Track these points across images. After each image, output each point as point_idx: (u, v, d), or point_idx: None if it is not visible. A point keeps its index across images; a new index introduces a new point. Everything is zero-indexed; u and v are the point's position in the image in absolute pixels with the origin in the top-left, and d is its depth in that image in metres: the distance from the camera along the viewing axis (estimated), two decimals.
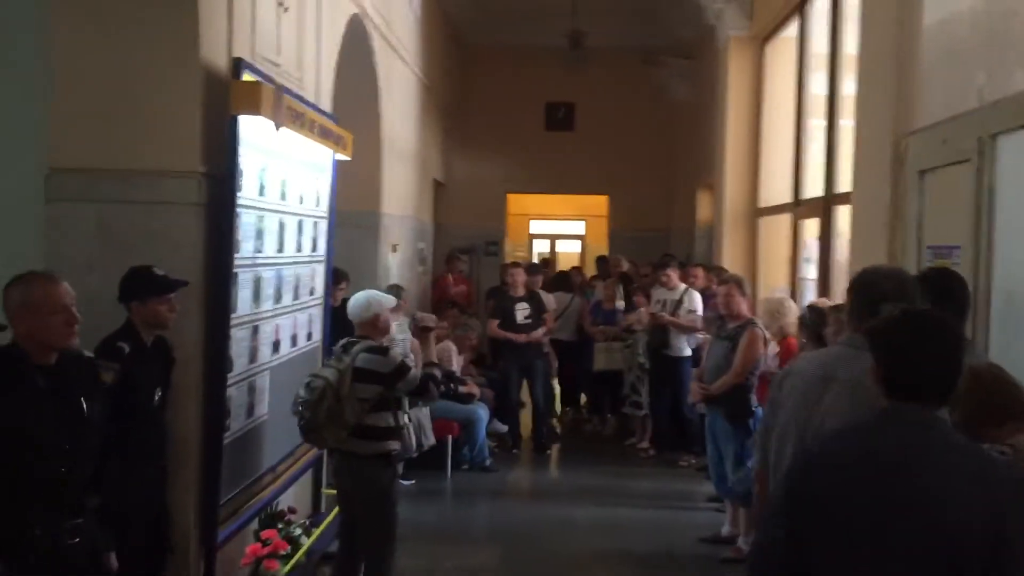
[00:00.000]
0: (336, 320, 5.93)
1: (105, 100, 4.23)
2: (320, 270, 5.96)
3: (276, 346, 5.15)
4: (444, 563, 6.26)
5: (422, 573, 5.95)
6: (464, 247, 13.26)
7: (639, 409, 9.21)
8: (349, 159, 6.19)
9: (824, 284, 7.21)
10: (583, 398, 11.06)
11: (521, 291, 9.28)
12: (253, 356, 4.78)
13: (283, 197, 5.07)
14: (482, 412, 8.54)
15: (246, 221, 4.48)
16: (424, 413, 7.61)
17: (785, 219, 8.83)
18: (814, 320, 5.41)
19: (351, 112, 7.37)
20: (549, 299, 9.71)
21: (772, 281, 9.38)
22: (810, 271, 8.00)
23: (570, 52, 11.76)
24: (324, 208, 5.94)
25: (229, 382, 4.42)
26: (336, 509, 5.18)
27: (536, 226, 18.66)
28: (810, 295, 7.71)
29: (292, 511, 5.37)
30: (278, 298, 5.11)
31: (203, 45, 4.24)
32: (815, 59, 8.19)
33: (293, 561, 4.93)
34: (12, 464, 2.87)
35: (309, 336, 5.81)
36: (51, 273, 3.10)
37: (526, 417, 9.82)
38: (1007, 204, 3.91)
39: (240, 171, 4.31)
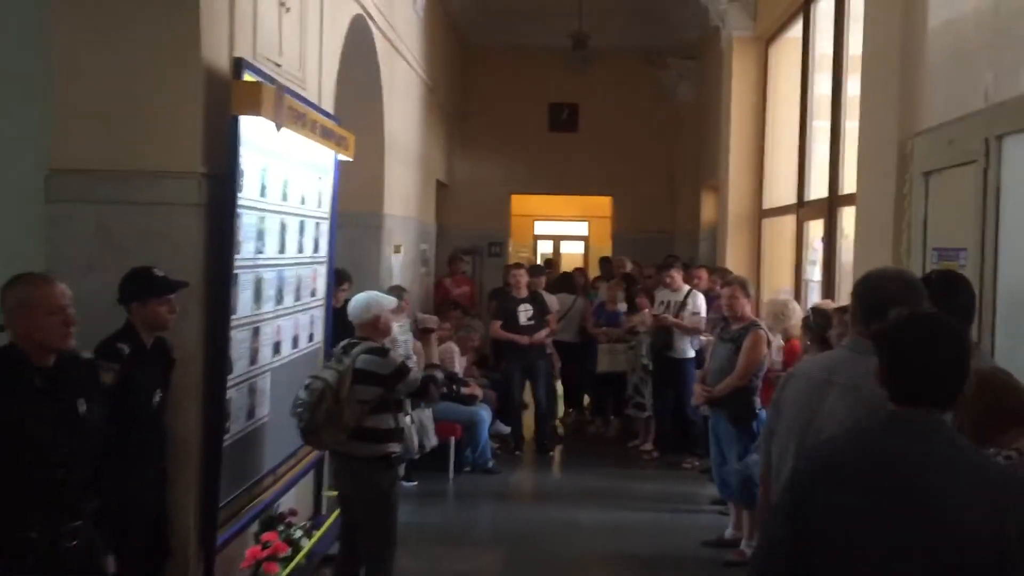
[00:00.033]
0: (338, 321, 5.91)
1: (105, 100, 4.21)
2: (322, 271, 5.93)
3: (277, 347, 5.13)
4: (446, 565, 6.25)
5: (424, 575, 5.92)
6: (467, 248, 13.25)
7: (642, 411, 9.18)
8: (351, 160, 6.17)
9: (828, 286, 7.18)
10: (586, 400, 11.04)
11: (524, 292, 9.27)
12: (254, 358, 4.75)
13: (284, 198, 5.05)
14: (485, 414, 8.52)
15: (247, 222, 4.45)
16: (426, 414, 7.60)
17: (789, 220, 8.80)
18: (818, 322, 5.38)
19: (354, 112, 7.35)
20: (552, 300, 9.69)
21: (776, 283, 9.35)
22: (814, 273, 7.98)
23: (574, 53, 11.73)
24: (326, 209, 5.92)
25: (229, 384, 4.39)
26: (337, 511, 5.16)
27: (540, 227, 18.64)
28: (814, 297, 7.68)
29: (293, 513, 5.34)
30: (279, 299, 5.09)
31: (204, 45, 4.22)
32: (819, 60, 8.16)
33: (293, 564, 4.91)
34: (10, 466, 2.85)
35: (311, 337, 5.78)
36: (47, 274, 3.08)
37: (529, 419, 9.78)
38: (1014, 206, 3.87)
39: (241, 172, 4.29)
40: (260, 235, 4.66)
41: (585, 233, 18.49)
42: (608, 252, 13.65)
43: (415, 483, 7.77)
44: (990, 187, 3.96)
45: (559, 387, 10.68)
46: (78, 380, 3.08)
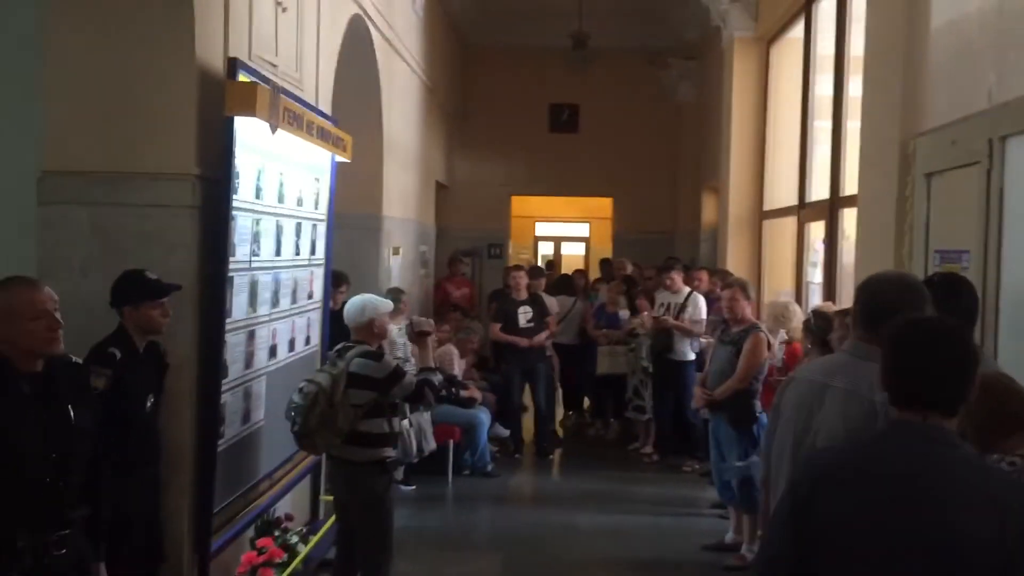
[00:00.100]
0: (336, 324, 5.86)
1: (99, 101, 4.17)
2: (319, 273, 5.89)
3: (273, 351, 5.09)
4: (445, 570, 6.23)
5: None
6: (467, 250, 13.21)
7: (642, 413, 9.14)
8: (348, 161, 6.13)
9: (830, 288, 7.14)
10: (586, 402, 11.00)
11: (524, 294, 9.23)
12: (249, 361, 4.71)
13: (281, 200, 5.01)
14: (484, 416, 8.48)
15: (242, 224, 4.42)
16: (425, 418, 7.55)
17: (790, 222, 8.77)
18: (819, 325, 5.34)
19: (352, 113, 7.31)
20: (552, 302, 9.66)
21: (777, 285, 9.32)
22: (815, 275, 7.94)
23: (574, 53, 11.70)
24: (323, 211, 5.88)
25: (224, 388, 4.35)
26: (334, 516, 5.11)
27: (541, 228, 18.61)
28: (816, 299, 7.64)
29: (289, 518, 5.31)
30: (275, 302, 5.05)
31: (198, 45, 4.18)
32: (821, 60, 8.12)
33: (289, 569, 4.87)
34: None
35: (308, 340, 5.75)
36: (32, 278, 3.03)
37: (528, 421, 9.76)
38: (1017, 207, 3.84)
39: (236, 173, 4.26)
40: (255, 237, 4.62)
41: (586, 234, 18.46)
42: (609, 253, 13.62)
43: (413, 487, 7.74)
44: (993, 188, 3.93)
45: (558, 389, 10.65)
46: (68, 385, 3.03)
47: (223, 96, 4.17)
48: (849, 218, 6.62)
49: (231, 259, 4.29)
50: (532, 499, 8.36)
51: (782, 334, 6.47)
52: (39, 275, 3.88)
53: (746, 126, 9.98)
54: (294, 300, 5.40)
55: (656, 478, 8.47)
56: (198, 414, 4.27)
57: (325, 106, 6.18)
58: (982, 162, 3.99)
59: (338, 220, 6.34)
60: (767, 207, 9.71)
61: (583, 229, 18.47)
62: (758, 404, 6.22)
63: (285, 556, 4.83)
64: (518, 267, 9.90)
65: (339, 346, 4.69)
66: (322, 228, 5.88)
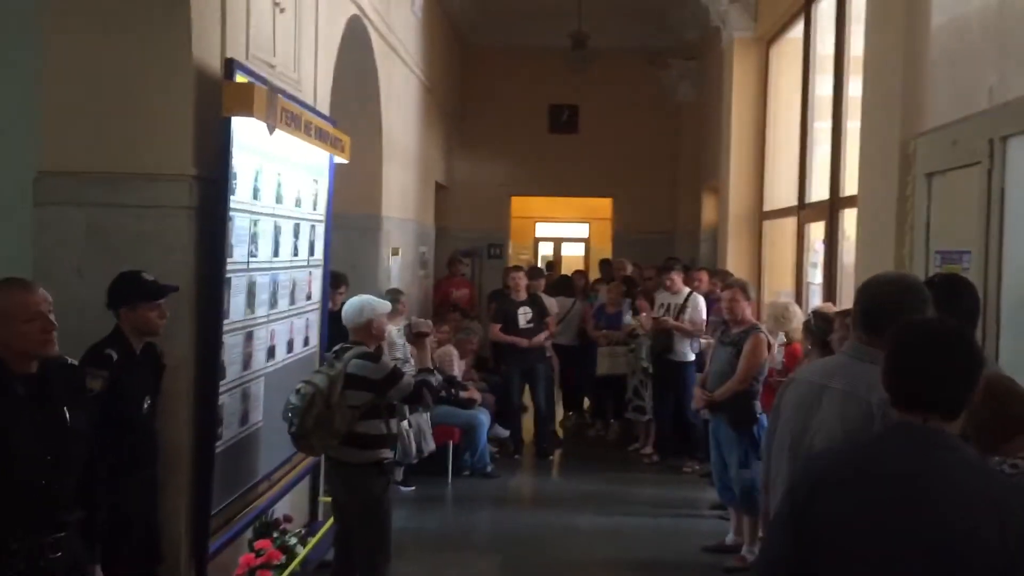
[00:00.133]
0: (335, 325, 5.84)
1: (95, 102, 4.15)
2: (317, 274, 5.87)
3: (271, 352, 5.07)
4: (445, 571, 6.22)
5: None
6: (466, 250, 13.19)
7: (642, 414, 9.13)
8: (347, 161, 6.11)
9: (830, 289, 7.13)
10: (586, 403, 10.98)
11: (523, 295, 9.22)
12: (247, 362, 4.70)
13: (279, 200, 4.99)
14: (483, 417, 8.46)
15: (239, 225, 4.40)
16: (424, 419, 7.55)
17: (790, 222, 8.75)
18: (819, 326, 5.32)
19: (351, 114, 7.31)
20: (551, 303, 9.64)
21: (777, 285, 9.30)
22: (816, 275, 7.92)
23: (573, 53, 11.68)
24: (321, 211, 5.86)
25: (221, 389, 4.34)
26: (332, 517, 5.10)
27: (541, 229, 18.60)
28: (816, 300, 7.62)
29: (288, 520, 5.29)
30: (273, 303, 5.03)
31: (195, 46, 4.16)
32: (821, 60, 8.10)
33: (288, 571, 4.85)
34: None
35: (306, 341, 5.73)
36: (26, 279, 3.01)
37: (528, 422, 9.74)
38: (1018, 207, 3.83)
39: (233, 174, 4.24)
40: (253, 238, 4.60)
41: (586, 235, 18.45)
42: (608, 254, 13.60)
43: (413, 488, 7.72)
44: (994, 189, 3.91)
45: (558, 390, 10.63)
46: (63, 387, 3.01)
47: (220, 96, 4.15)
48: (849, 218, 6.61)
49: (228, 260, 4.27)
50: (532, 500, 8.34)
51: (781, 336, 6.44)
52: (35, 276, 3.87)
53: (746, 126, 9.97)
54: (292, 301, 5.38)
55: (656, 479, 8.44)
56: (195, 415, 4.25)
57: (323, 106, 6.17)
58: (983, 162, 3.98)
59: (337, 221, 6.33)
60: (767, 207, 9.69)
61: (583, 230, 18.46)
62: (758, 405, 6.19)
63: (283, 558, 4.81)
64: (517, 268, 9.89)
65: (337, 347, 4.67)
66: (320, 229, 5.86)
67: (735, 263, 9.71)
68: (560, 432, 10.30)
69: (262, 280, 4.80)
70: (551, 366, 9.73)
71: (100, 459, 3.20)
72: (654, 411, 8.97)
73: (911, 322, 2.36)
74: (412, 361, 7.01)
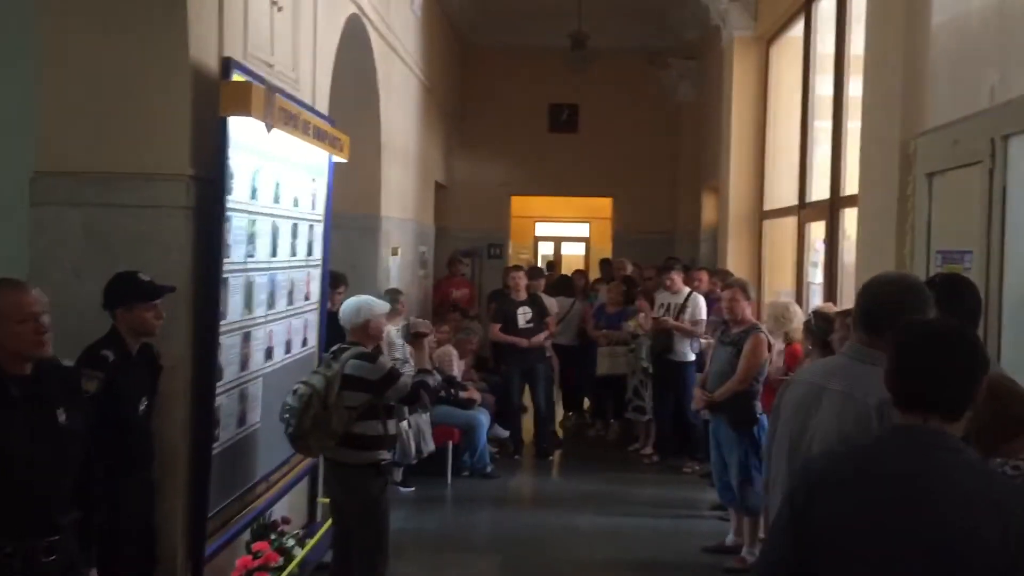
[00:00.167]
0: (334, 325, 5.82)
1: (92, 101, 4.13)
2: (316, 274, 5.85)
3: (269, 353, 5.04)
4: (444, 572, 6.21)
5: None
6: (466, 250, 13.17)
7: (642, 414, 9.10)
8: (346, 161, 6.09)
9: (830, 289, 7.10)
10: (586, 403, 10.96)
11: (523, 295, 9.20)
12: (245, 363, 4.67)
13: (277, 200, 4.97)
14: (483, 417, 8.44)
15: (237, 225, 4.37)
16: (424, 419, 7.52)
17: (791, 222, 8.73)
18: (820, 326, 5.30)
19: (350, 113, 7.28)
20: (551, 302, 9.62)
21: (777, 285, 9.28)
22: (816, 275, 7.90)
23: (573, 53, 11.66)
24: (320, 211, 5.84)
25: (219, 390, 4.31)
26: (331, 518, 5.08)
27: (541, 228, 18.59)
28: (816, 300, 7.60)
29: (286, 521, 5.27)
30: (271, 303, 5.00)
31: (193, 45, 4.14)
32: (821, 59, 8.09)
33: (285, 573, 4.83)
34: None
35: (304, 342, 5.70)
36: (20, 280, 2.99)
37: (528, 422, 9.72)
38: (1020, 207, 3.81)
39: (231, 174, 4.22)
40: (251, 238, 4.58)
41: (586, 234, 18.43)
42: (608, 253, 13.58)
43: (413, 488, 7.70)
44: (996, 188, 3.89)
45: (558, 390, 10.61)
46: (58, 389, 2.99)
47: (218, 96, 4.12)
48: (850, 218, 6.59)
49: (226, 260, 4.24)
50: (532, 500, 8.32)
51: (780, 344, 6.40)
52: (32, 277, 3.86)
53: (746, 126, 9.95)
54: (291, 301, 5.36)
55: (656, 479, 8.43)
56: (192, 416, 4.23)
57: (322, 106, 6.15)
58: (984, 161, 3.96)
59: (336, 221, 6.30)
60: (767, 207, 9.67)
61: (583, 229, 18.44)
62: (758, 405, 6.17)
63: (281, 560, 4.79)
64: (517, 267, 9.87)
65: (335, 347, 4.66)
66: (319, 229, 5.84)
67: (735, 263, 9.68)
68: (560, 432, 10.27)
69: (260, 280, 4.78)
70: (551, 366, 9.71)
71: (96, 460, 3.18)
72: (654, 411, 8.95)
73: (913, 323, 2.35)
74: (412, 361, 6.99)
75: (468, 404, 8.34)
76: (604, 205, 15.17)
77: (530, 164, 13.87)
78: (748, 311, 6.40)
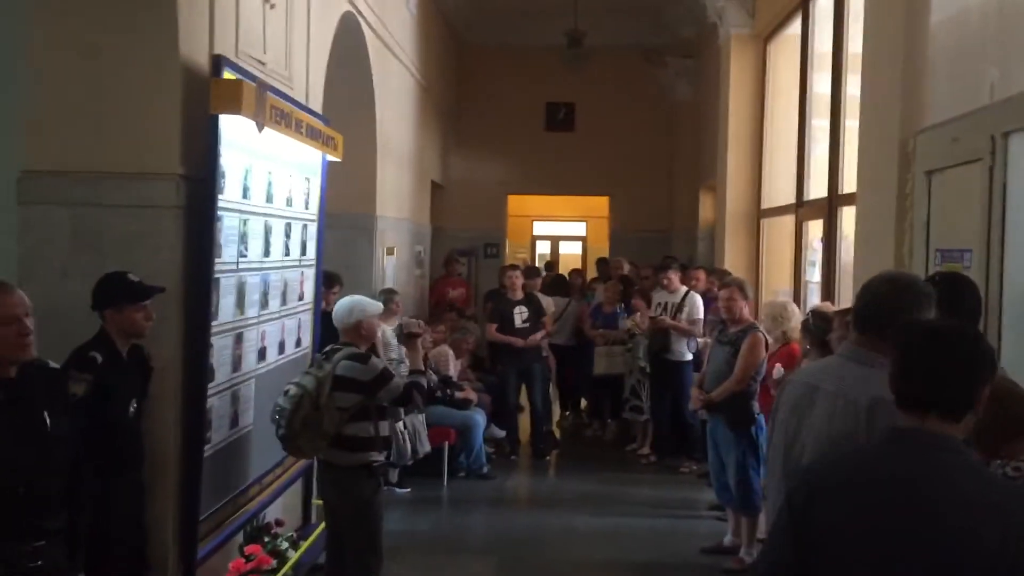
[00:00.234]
0: (329, 326, 5.78)
1: (80, 99, 4.09)
2: (310, 274, 5.81)
3: (262, 353, 5.00)
4: (440, 573, 6.18)
5: None
6: (463, 249, 13.14)
7: (640, 414, 9.07)
8: (340, 160, 6.05)
9: (828, 288, 7.07)
10: (583, 403, 10.92)
11: (519, 294, 9.16)
12: (237, 364, 4.63)
13: (269, 199, 4.92)
14: (479, 418, 8.40)
15: (228, 224, 4.33)
16: (420, 419, 7.48)
17: (788, 221, 8.70)
18: (818, 325, 5.25)
19: (345, 112, 7.24)
20: (547, 302, 9.58)
21: (775, 284, 9.25)
22: (814, 274, 7.87)
23: (569, 51, 11.62)
24: (314, 211, 5.79)
25: (211, 391, 4.27)
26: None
27: (538, 227, 18.57)
28: (814, 299, 7.57)
29: (280, 523, 5.23)
30: (264, 304, 4.96)
31: (183, 43, 4.10)
32: (819, 57, 8.05)
33: (279, 575, 4.78)
34: None
35: (298, 343, 5.66)
36: (4, 281, 2.94)
37: (524, 422, 9.69)
38: (1020, 204, 3.78)
39: (222, 172, 4.18)
40: (243, 238, 4.53)
41: (583, 233, 18.41)
42: (605, 252, 13.56)
43: (408, 489, 7.67)
44: (996, 186, 3.85)
45: (554, 390, 10.57)
46: (44, 391, 2.95)
47: (208, 94, 4.08)
48: (848, 216, 6.55)
49: (217, 260, 4.20)
50: (528, 501, 8.28)
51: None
52: (19, 277, 3.82)
53: (743, 124, 9.91)
54: (284, 302, 5.31)
55: (654, 479, 8.39)
56: (183, 418, 4.18)
57: (316, 104, 6.10)
58: (984, 159, 3.92)
59: (331, 220, 6.26)
60: (765, 205, 9.64)
61: (580, 228, 18.42)
62: (756, 405, 6.14)
63: (274, 563, 4.75)
64: (514, 267, 9.84)
65: (327, 348, 4.61)
66: (313, 228, 5.80)
67: (733, 262, 9.65)
68: (557, 432, 10.23)
69: (252, 280, 4.73)
70: (547, 366, 9.68)
71: (86, 462, 3.13)
72: (651, 411, 8.91)
73: (915, 323, 2.33)
74: (407, 362, 6.95)
75: (464, 404, 8.31)
76: (601, 204, 15.14)
77: (527, 163, 13.84)
78: (746, 310, 6.36)
